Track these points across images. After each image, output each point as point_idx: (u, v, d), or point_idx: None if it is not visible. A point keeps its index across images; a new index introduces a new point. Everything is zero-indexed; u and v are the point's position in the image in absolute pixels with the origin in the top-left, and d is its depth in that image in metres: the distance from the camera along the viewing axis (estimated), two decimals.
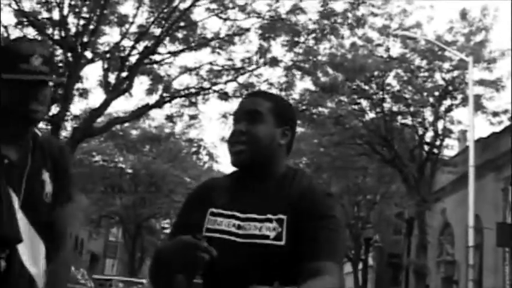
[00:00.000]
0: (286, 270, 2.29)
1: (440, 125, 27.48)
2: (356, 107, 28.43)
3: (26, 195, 2.57)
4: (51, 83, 2.70)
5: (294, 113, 2.71)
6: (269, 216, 2.38)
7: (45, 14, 21.09)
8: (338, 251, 2.35)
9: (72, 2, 20.62)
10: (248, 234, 2.37)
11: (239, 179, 2.53)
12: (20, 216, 2.52)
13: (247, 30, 22.97)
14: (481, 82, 25.66)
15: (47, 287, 2.66)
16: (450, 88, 26.80)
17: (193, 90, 23.74)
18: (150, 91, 23.43)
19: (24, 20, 20.87)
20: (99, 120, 22.44)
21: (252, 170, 2.48)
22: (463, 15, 25.99)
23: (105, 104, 20.69)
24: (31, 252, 2.57)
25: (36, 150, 2.67)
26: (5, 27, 20.75)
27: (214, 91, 23.64)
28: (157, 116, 30.43)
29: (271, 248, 2.34)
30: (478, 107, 25.58)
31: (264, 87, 23.81)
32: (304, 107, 27.18)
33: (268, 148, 2.46)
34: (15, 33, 21.20)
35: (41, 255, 2.62)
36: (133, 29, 21.96)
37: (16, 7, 20.56)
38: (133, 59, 21.61)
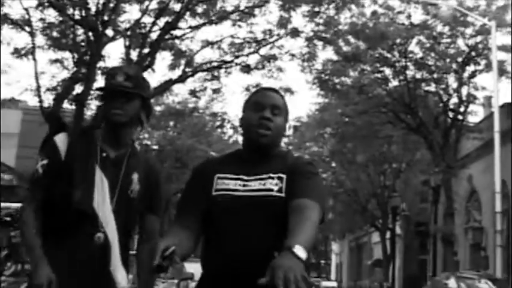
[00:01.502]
0: (282, 220, 2.69)
1: (464, 91, 27.32)
2: (379, 75, 28.30)
3: (120, 188, 3.31)
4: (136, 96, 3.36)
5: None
6: (271, 175, 2.88)
7: None
8: (320, 195, 2.83)
9: None
10: (253, 189, 2.86)
11: (242, 154, 3.06)
12: (107, 199, 3.25)
13: (267, 1, 22.89)
14: (504, 47, 25.34)
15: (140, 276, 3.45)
16: (473, 54, 26.56)
17: (215, 64, 23.76)
18: (172, 66, 23.49)
19: (45, 1, 20.95)
20: None
21: (264, 150, 2.98)
22: None
23: None
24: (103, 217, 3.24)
25: (131, 157, 3.40)
26: (26, 9, 20.88)
27: (237, 64, 23.65)
28: (181, 91, 30.61)
29: (274, 199, 2.82)
30: (502, 72, 25.34)
31: (286, 58, 23.80)
32: (327, 77, 27.13)
33: (281, 136, 3.06)
34: (36, 15, 21.36)
35: (113, 236, 3.26)
36: (153, 5, 21.97)
37: None
38: (154, 35, 21.66)
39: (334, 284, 51.88)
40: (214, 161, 3.15)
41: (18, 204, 6.91)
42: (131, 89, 3.30)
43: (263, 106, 2.97)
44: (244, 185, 2.87)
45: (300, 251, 2.39)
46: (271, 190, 2.84)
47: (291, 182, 2.85)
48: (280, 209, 2.76)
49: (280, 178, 2.86)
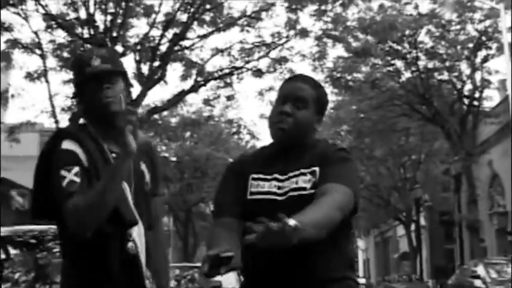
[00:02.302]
0: None
1: (477, 76, 27.24)
2: (391, 68, 28.27)
3: (135, 184, 2.94)
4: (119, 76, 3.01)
5: (328, 101, 2.98)
6: (302, 170, 2.69)
7: (72, 15, 21.30)
8: (349, 179, 2.64)
9: None
10: (287, 190, 2.67)
11: (272, 148, 2.85)
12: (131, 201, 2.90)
13: (273, 4, 22.91)
14: None
15: (151, 265, 3.02)
16: (484, 38, 26.47)
17: (226, 71, 23.78)
18: (184, 77, 23.54)
19: (53, 23, 21.11)
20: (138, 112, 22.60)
21: (288, 144, 2.78)
22: None
23: (142, 95, 20.84)
24: (138, 235, 2.92)
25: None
26: (35, 32, 21.03)
27: (248, 69, 23.65)
28: (195, 100, 30.60)
29: (309, 197, 2.59)
30: None
31: (296, 59, 23.77)
32: (338, 75, 27.09)
33: (307, 131, 2.79)
34: (45, 38, 21.51)
35: (143, 238, 2.95)
36: (161, 17, 22.06)
37: (44, 11, 20.80)
38: (163, 48, 21.72)
39: (363, 280, 51.70)
40: (248, 158, 2.92)
41: (43, 227, 6.95)
42: (113, 70, 2.96)
43: (284, 99, 2.77)
44: (279, 187, 2.69)
45: (290, 221, 2.21)
46: (305, 189, 2.65)
47: (324, 172, 2.67)
48: None
49: (313, 172, 2.69)
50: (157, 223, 3.16)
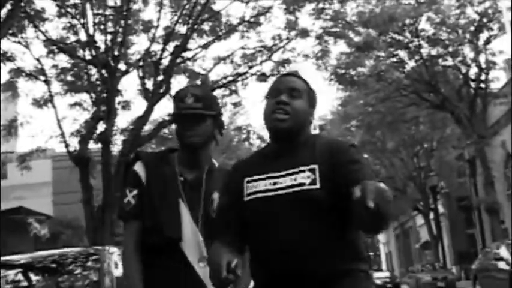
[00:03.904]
0: (323, 212, 2.64)
1: (482, 59, 27.14)
2: (395, 59, 28.24)
3: (203, 210, 3.28)
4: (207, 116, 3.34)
5: (317, 96, 3.04)
6: (301, 168, 2.72)
7: (72, 38, 21.40)
8: (372, 176, 2.62)
9: (96, 20, 20.85)
10: (284, 186, 2.71)
11: (268, 149, 2.91)
12: (189, 223, 3.24)
13: (271, 7, 22.93)
14: None
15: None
16: (485, 20, 26.38)
17: (230, 78, 23.79)
18: None
19: (54, 47, 21.21)
20: (146, 128, 22.66)
21: (286, 136, 2.81)
22: None
23: (148, 110, 20.86)
24: (197, 255, 3.22)
25: (210, 175, 3.37)
26: (38, 59, 21.13)
27: (252, 74, 23.65)
28: None
29: (307, 192, 2.66)
30: None
31: (299, 60, 23.75)
32: (343, 71, 27.07)
33: (303, 121, 2.85)
34: (48, 63, 21.61)
35: (201, 253, 3.23)
36: (160, 32, 22.12)
37: (44, 37, 20.90)
38: (166, 61, 21.74)
39: (387, 273, 51.54)
40: (242, 164, 3.01)
41: (62, 250, 6.97)
42: (202, 110, 3.30)
43: (279, 91, 2.84)
44: (274, 183, 2.72)
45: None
46: (303, 184, 2.67)
47: (333, 173, 2.67)
48: (316, 202, 2.64)
49: (311, 170, 2.70)
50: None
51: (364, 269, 2.77)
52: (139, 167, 3.34)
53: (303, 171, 2.70)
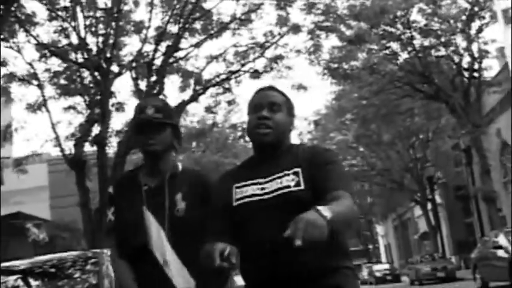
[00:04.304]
0: (306, 210, 2.60)
1: (474, 48, 27.13)
2: (387, 51, 28.23)
3: (168, 212, 3.45)
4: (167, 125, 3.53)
5: (294, 105, 3.24)
6: (286, 172, 2.90)
7: (64, 41, 21.39)
8: (347, 183, 2.92)
9: (87, 22, 20.81)
10: (271, 190, 2.88)
11: (253, 159, 3.10)
12: (155, 228, 3.39)
13: (262, 4, 22.90)
14: None
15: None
16: (476, 9, 26.37)
17: (224, 76, 23.76)
18: (182, 88, 23.57)
19: (46, 51, 21.16)
20: None
21: (271, 147, 3.00)
22: None
23: None
24: (159, 249, 3.39)
25: (172, 180, 3.52)
26: (30, 64, 21.09)
27: (245, 72, 23.64)
28: (197, 110, 30.54)
29: (293, 194, 2.83)
30: (508, 20, 25.11)
31: (292, 55, 23.75)
32: (336, 65, 27.06)
33: (284, 132, 3.05)
34: (40, 67, 21.56)
35: (170, 257, 3.38)
36: (152, 32, 22.10)
37: (36, 42, 20.86)
38: (158, 62, 21.73)
39: (387, 265, 51.58)
40: (230, 173, 3.19)
41: (61, 254, 6.97)
42: (162, 120, 3.48)
43: (260, 106, 3.03)
44: (262, 188, 2.89)
45: (325, 210, 2.44)
46: (289, 187, 2.84)
47: (313, 173, 2.87)
48: (302, 203, 2.72)
49: (295, 173, 2.89)
50: None
51: (350, 266, 2.93)
52: (111, 189, 3.64)
53: (288, 174, 2.89)
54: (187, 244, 3.36)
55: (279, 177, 2.89)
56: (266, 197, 2.86)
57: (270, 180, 2.90)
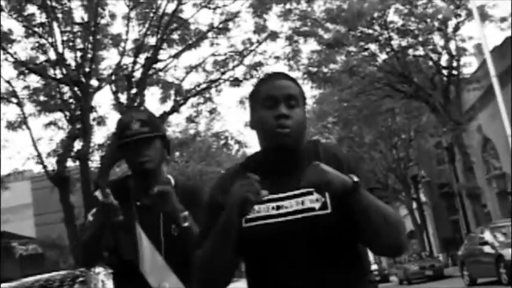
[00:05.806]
0: (333, 238, 2.33)
1: (452, 46, 27.24)
2: (366, 53, 28.30)
3: (164, 230, 3.25)
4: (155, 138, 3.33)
5: None
6: (308, 188, 2.31)
7: (42, 57, 21.30)
8: (387, 197, 2.49)
9: (64, 38, 20.73)
10: (291, 211, 2.32)
11: (265, 162, 2.46)
12: (147, 247, 3.22)
13: (239, 12, 22.94)
14: None
15: None
16: (452, 7, 26.50)
17: (204, 86, 23.77)
18: (163, 99, 23.54)
19: (24, 68, 21.06)
20: None
21: (290, 151, 2.43)
22: None
23: None
24: (157, 279, 3.21)
25: None
26: (8, 82, 20.99)
27: (225, 80, 23.67)
28: (178, 120, 30.42)
29: (319, 218, 2.30)
30: (484, 17, 25.28)
31: (271, 62, 23.78)
32: (315, 69, 27.11)
33: (304, 129, 2.47)
34: (19, 85, 21.45)
35: (164, 275, 3.22)
36: (130, 45, 22.06)
37: (13, 59, 20.76)
38: (138, 74, 21.69)
39: (374, 266, 51.64)
40: (233, 179, 2.40)
41: (49, 275, 6.93)
42: (150, 133, 3.26)
43: (275, 100, 2.42)
44: (278, 207, 2.34)
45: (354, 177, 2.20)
46: (313, 209, 2.32)
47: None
48: (328, 230, 2.32)
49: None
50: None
51: (372, 280, 2.55)
52: (99, 194, 3.27)
53: (311, 192, 2.33)
54: (183, 265, 3.12)
55: (301, 194, 2.34)
56: (283, 219, 2.32)
57: (289, 197, 2.35)
